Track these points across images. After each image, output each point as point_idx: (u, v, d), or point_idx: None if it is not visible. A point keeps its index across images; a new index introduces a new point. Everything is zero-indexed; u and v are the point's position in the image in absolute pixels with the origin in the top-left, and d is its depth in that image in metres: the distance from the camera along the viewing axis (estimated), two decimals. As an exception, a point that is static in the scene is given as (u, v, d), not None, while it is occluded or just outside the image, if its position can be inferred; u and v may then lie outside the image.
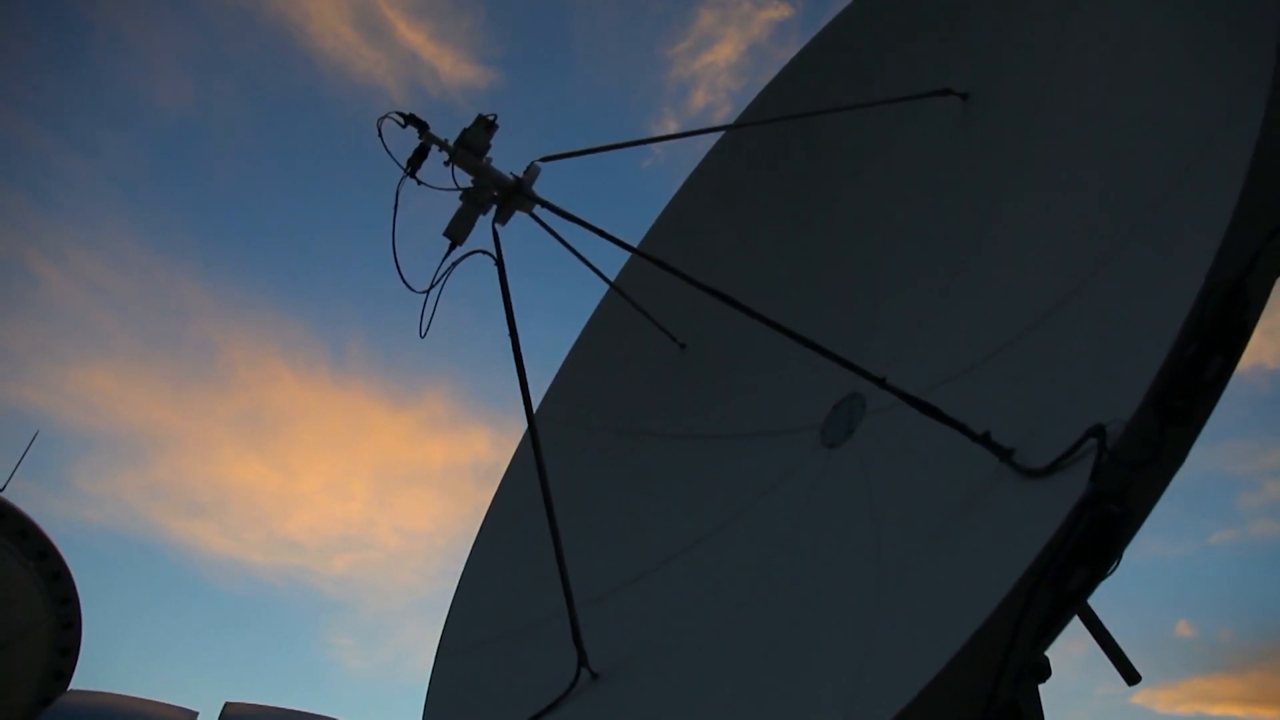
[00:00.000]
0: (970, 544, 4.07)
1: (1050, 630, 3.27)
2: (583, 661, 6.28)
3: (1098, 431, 3.37)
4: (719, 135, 9.02)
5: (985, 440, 4.60)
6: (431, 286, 6.01)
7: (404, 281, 5.97)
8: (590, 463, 7.95)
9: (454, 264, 6.09)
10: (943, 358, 5.98)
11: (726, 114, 9.06)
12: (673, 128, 23.08)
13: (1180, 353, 3.27)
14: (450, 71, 22.83)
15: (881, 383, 4.99)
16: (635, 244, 9.22)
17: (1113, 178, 4.67)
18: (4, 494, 12.08)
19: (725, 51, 22.35)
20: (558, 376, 8.69)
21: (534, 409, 6.38)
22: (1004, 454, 4.48)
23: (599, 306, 8.91)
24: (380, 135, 5.79)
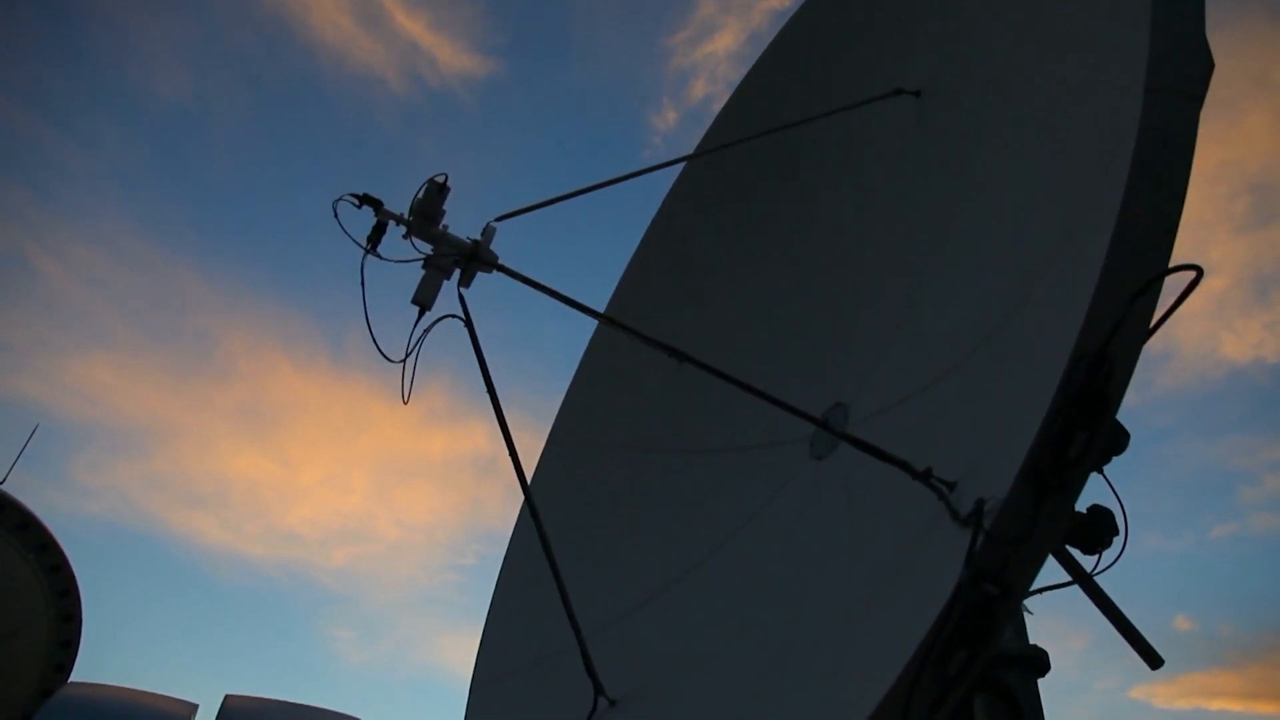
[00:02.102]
0: (897, 601, 4.21)
1: (941, 707, 3.41)
2: (599, 690, 6.57)
3: (976, 510, 3.47)
4: (718, 134, 9.09)
5: (925, 478, 4.70)
6: (407, 356, 6.25)
7: (381, 353, 6.19)
8: (599, 483, 8.22)
9: (425, 331, 6.32)
10: (914, 375, 6.05)
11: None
12: (673, 117, 22.69)
13: (1049, 428, 3.34)
14: (449, 61, 22.64)
15: (824, 425, 5.11)
16: (630, 253, 9.38)
17: (1031, 204, 4.67)
18: (4, 486, 12.12)
19: (725, 40, 21.89)
20: (566, 397, 8.95)
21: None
22: (941, 494, 4.58)
23: (599, 326, 9.10)
24: (336, 216, 5.93)
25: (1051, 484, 3.35)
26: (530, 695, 7.32)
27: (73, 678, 11.93)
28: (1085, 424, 3.29)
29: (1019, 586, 3.42)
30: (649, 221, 9.08)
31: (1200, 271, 3.43)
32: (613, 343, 8.71)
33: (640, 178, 7.18)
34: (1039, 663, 5.51)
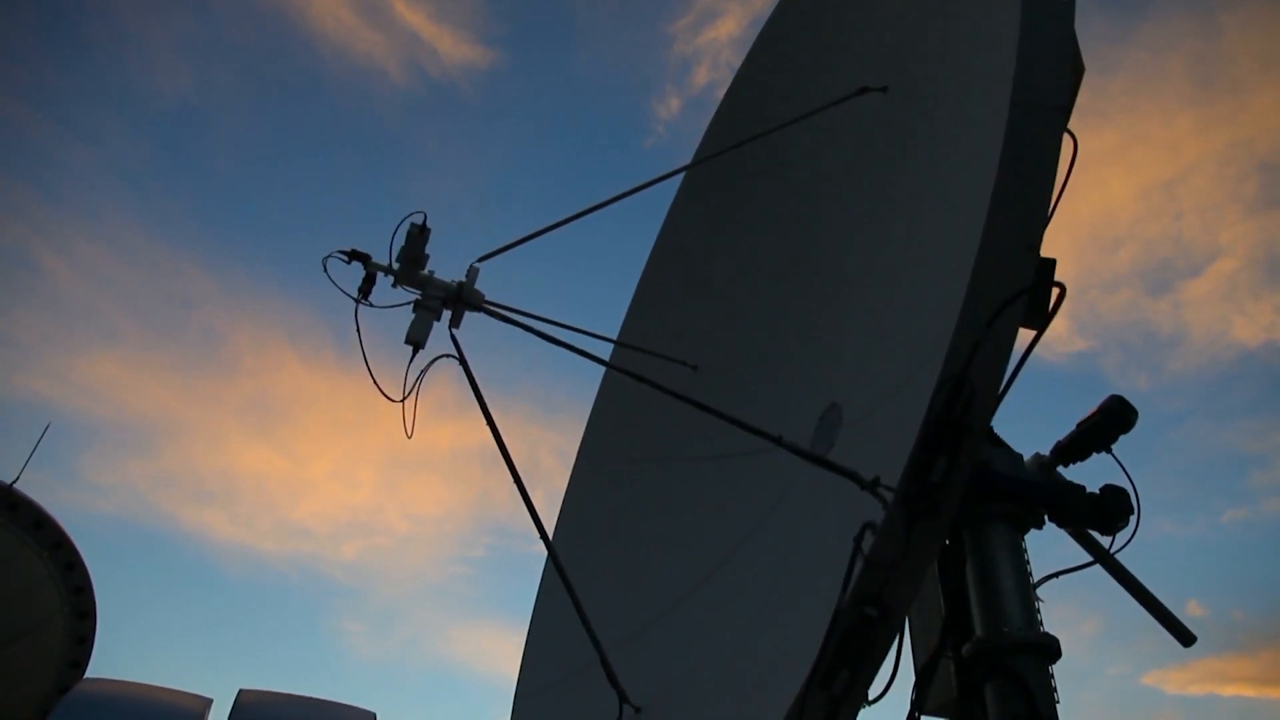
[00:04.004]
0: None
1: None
2: (623, 699, 6.88)
3: (860, 534, 3.61)
4: (715, 132, 9.25)
5: (872, 488, 4.82)
6: (406, 396, 6.61)
7: (383, 394, 6.56)
8: (626, 495, 8.52)
9: (422, 372, 6.68)
10: (890, 380, 6.13)
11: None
12: (675, 105, 22.46)
13: (915, 455, 3.46)
14: (450, 52, 22.74)
15: (778, 440, 5.26)
16: (626, 256, 9.62)
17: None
18: (16, 485, 12.07)
19: (728, 26, 21.59)
20: (592, 412, 9.27)
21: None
22: (885, 502, 4.70)
23: (620, 333, 9.38)
24: (326, 271, 6.25)
25: (920, 509, 3.47)
26: (568, 706, 7.68)
27: (88, 674, 12.11)
28: (945, 449, 3.39)
29: (898, 608, 3.56)
30: (644, 220, 9.30)
31: (1063, 289, 3.48)
32: (630, 355, 8.96)
33: (637, 178, 7.40)
34: (1050, 649, 5.55)
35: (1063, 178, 4.23)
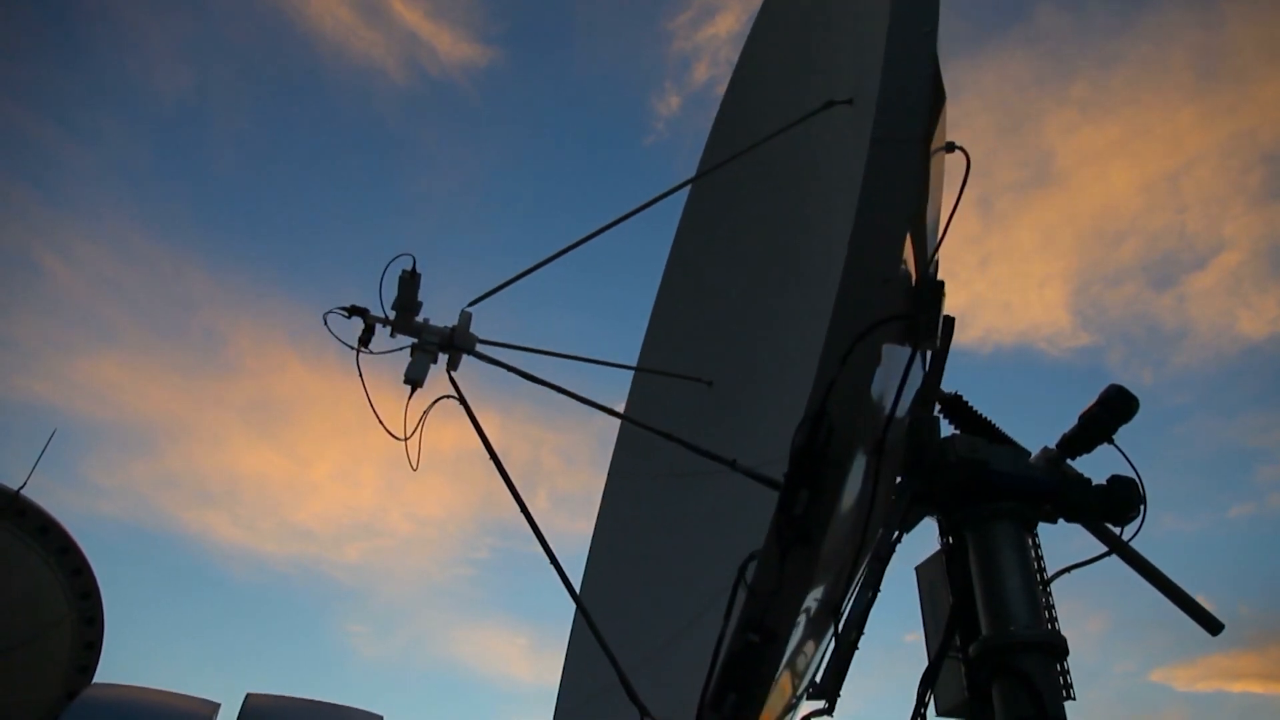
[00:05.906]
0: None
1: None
2: (644, 712, 7.16)
3: (744, 564, 3.81)
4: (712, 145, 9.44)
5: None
6: (409, 435, 7.01)
7: (389, 433, 6.97)
8: (650, 509, 8.80)
9: (425, 413, 7.08)
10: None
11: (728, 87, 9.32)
12: (675, 102, 22.27)
13: (785, 488, 3.64)
14: (449, 49, 22.87)
15: (732, 464, 5.45)
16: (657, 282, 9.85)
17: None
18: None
19: (727, 22, 21.35)
20: (620, 429, 9.58)
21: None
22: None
23: (642, 351, 9.68)
24: (326, 324, 6.66)
25: (790, 538, 3.64)
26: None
27: (96, 679, 12.00)
28: (805, 482, 3.56)
29: (780, 633, 3.74)
30: (643, 225, 9.52)
31: (930, 320, 3.60)
32: (649, 374, 9.24)
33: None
34: (1056, 648, 5.57)
35: (955, 196, 4.33)
